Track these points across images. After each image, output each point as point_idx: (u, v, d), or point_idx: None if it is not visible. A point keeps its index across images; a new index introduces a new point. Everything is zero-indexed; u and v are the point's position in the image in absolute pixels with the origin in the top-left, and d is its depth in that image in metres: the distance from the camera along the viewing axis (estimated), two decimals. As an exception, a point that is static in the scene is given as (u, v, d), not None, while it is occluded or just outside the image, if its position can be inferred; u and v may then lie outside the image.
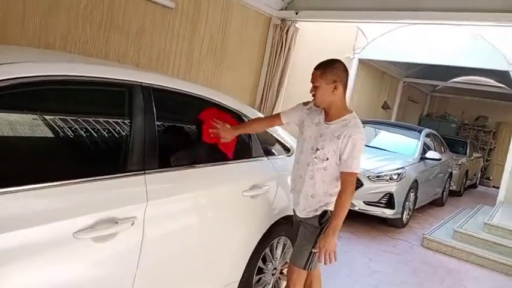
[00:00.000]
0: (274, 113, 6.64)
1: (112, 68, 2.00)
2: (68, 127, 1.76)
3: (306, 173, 2.35)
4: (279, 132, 3.14)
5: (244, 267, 2.61)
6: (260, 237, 2.68)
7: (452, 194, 9.29)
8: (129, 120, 1.92)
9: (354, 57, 9.49)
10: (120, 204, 1.77)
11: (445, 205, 8.35)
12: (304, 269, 2.41)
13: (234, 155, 2.46)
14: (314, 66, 2.31)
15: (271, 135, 3.02)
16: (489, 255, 5.04)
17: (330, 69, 2.23)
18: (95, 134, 1.84)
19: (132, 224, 1.77)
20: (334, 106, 2.29)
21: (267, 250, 2.84)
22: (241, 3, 6.09)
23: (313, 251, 2.30)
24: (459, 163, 9.55)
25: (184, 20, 5.30)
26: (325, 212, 2.35)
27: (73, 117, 1.78)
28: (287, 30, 6.56)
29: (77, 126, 1.78)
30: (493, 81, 11.98)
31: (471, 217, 6.40)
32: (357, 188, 5.61)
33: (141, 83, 2.00)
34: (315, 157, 2.29)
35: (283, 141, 3.10)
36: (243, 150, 2.67)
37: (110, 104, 2.00)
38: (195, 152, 2.38)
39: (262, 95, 6.78)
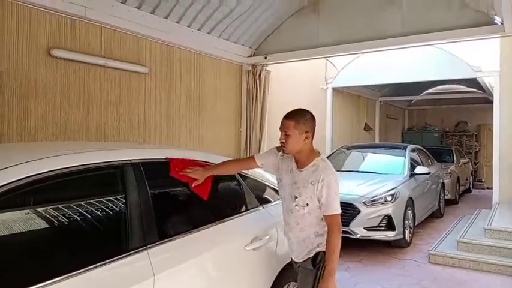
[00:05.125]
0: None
1: (101, 152, 2.06)
2: (65, 218, 1.79)
3: (292, 219, 2.40)
4: (268, 177, 3.20)
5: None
6: (271, 286, 2.68)
7: (449, 203, 9.36)
8: (124, 200, 1.96)
9: (327, 88, 9.79)
10: (128, 284, 1.78)
11: (444, 215, 8.39)
12: None
13: (208, 197, 2.41)
14: (284, 115, 2.35)
15: (262, 182, 3.07)
16: (495, 260, 5.07)
17: (303, 121, 2.30)
18: (93, 220, 1.88)
19: (143, 302, 1.78)
20: (303, 153, 2.34)
21: (280, 298, 2.83)
22: (211, 57, 6.32)
23: None
24: (449, 171, 9.69)
25: (159, 82, 5.47)
26: (317, 254, 2.37)
27: (68, 207, 1.82)
28: (259, 75, 6.79)
29: (73, 216, 1.81)
30: (465, 87, 12.41)
31: (471, 224, 6.45)
32: (355, 215, 5.67)
33: (130, 160, 2.07)
34: (296, 204, 2.34)
35: (274, 186, 3.15)
36: (238, 204, 2.71)
37: (104, 187, 2.04)
38: (192, 216, 2.41)
39: (246, 140, 6.91)
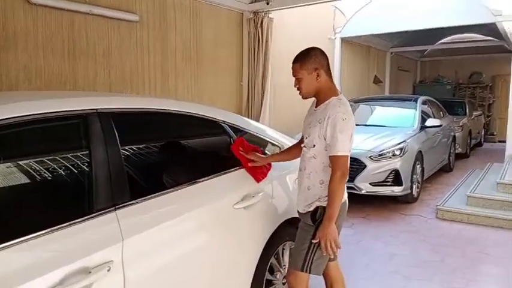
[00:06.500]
0: (262, 107, 6.47)
1: (59, 100, 1.80)
2: (17, 174, 1.56)
3: (302, 164, 2.34)
4: (267, 132, 2.94)
5: (250, 285, 2.42)
6: (262, 249, 2.48)
7: (459, 156, 9.08)
8: (88, 154, 1.72)
9: (335, 38, 9.27)
10: (91, 250, 1.57)
11: (454, 170, 8.16)
12: (302, 270, 2.25)
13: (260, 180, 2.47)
14: (292, 60, 2.28)
15: (259, 137, 2.81)
16: (507, 215, 4.85)
17: (308, 59, 2.20)
18: (51, 177, 1.65)
19: (108, 270, 1.58)
20: (321, 93, 2.25)
21: (273, 259, 2.65)
22: (209, 4, 5.88)
23: (313, 241, 2.19)
24: (460, 124, 9.34)
25: (152, 31, 5.10)
26: (317, 208, 2.24)
27: (22, 163, 1.59)
28: (261, 23, 6.35)
29: (26, 173, 1.58)
30: (481, 36, 11.73)
31: (482, 178, 6.20)
32: (361, 170, 5.44)
33: (96, 109, 1.80)
34: (304, 146, 2.29)
35: (273, 141, 2.90)
36: (227, 159, 2.47)
37: (64, 141, 1.79)
38: (173, 174, 2.18)
39: (248, 92, 6.58)
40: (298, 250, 2.30)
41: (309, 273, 2.27)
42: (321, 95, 2.25)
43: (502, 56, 12.72)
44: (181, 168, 2.25)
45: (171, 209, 1.95)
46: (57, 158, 1.69)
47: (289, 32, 7.51)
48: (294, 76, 2.26)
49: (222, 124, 2.53)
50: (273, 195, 2.63)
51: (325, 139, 2.15)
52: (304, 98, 2.31)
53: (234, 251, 2.30)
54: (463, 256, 4.04)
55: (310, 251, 2.23)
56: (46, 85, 4.05)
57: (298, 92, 2.29)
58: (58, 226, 1.51)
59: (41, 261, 1.43)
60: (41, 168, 1.63)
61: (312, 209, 2.26)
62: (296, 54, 2.27)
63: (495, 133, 13.42)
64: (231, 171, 2.44)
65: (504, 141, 11.94)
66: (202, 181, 2.20)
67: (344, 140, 2.09)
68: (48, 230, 1.48)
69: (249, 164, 2.42)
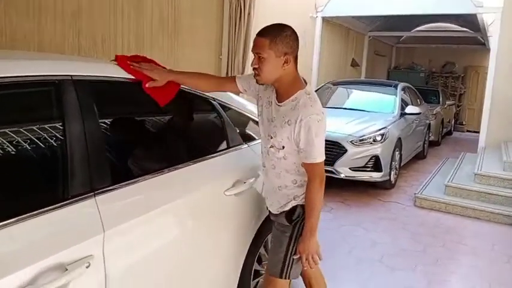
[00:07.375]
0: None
1: (26, 63, 1.47)
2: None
3: (268, 162, 1.99)
4: (251, 108, 2.69)
5: (238, 275, 2.22)
6: (252, 238, 2.28)
7: (431, 144, 9.17)
8: (61, 129, 1.42)
9: (317, 16, 9.01)
10: (67, 243, 1.30)
11: (427, 157, 8.23)
12: (281, 277, 1.99)
13: (166, 103, 1.86)
14: (258, 31, 1.80)
15: (246, 115, 2.57)
16: (484, 206, 4.87)
17: (281, 38, 1.75)
18: (18, 157, 1.35)
19: (87, 267, 1.32)
20: (283, 83, 1.84)
21: (262, 249, 2.45)
22: (190, -32, 5.46)
23: (294, 257, 1.94)
24: (434, 113, 9.41)
25: (127, -7, 4.66)
26: (294, 208, 1.97)
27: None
28: (245, -6, 5.99)
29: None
30: (457, 27, 11.81)
31: (458, 168, 6.22)
32: (341, 154, 5.32)
33: (71, 76, 1.50)
34: (271, 146, 1.92)
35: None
36: (217, 140, 2.22)
37: (32, 112, 1.48)
38: (159, 154, 1.91)
39: (227, 67, 6.25)
40: (274, 254, 2.03)
41: (288, 278, 2.02)
42: (283, 86, 1.85)
43: (475, 47, 12.95)
44: (169, 148, 1.99)
45: (157, 196, 1.69)
46: (24, 133, 1.38)
47: (270, 7, 7.17)
48: (255, 52, 1.78)
49: (212, 101, 2.27)
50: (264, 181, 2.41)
51: (296, 144, 1.84)
52: (260, 83, 1.87)
53: (223, 241, 2.08)
54: (443, 246, 4.01)
55: (289, 254, 1.97)
56: (7, 45, 3.60)
57: (254, 73, 1.84)
58: (27, 215, 1.23)
59: (8, 258, 1.15)
60: (6, 145, 1.32)
61: (287, 208, 1.98)
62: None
63: (464, 123, 13.74)
64: (221, 154, 2.21)
65: (472, 131, 12.31)
66: (191, 164, 1.94)
67: (320, 144, 1.82)
68: (15, 219, 1.20)
69: (147, 85, 1.79)
